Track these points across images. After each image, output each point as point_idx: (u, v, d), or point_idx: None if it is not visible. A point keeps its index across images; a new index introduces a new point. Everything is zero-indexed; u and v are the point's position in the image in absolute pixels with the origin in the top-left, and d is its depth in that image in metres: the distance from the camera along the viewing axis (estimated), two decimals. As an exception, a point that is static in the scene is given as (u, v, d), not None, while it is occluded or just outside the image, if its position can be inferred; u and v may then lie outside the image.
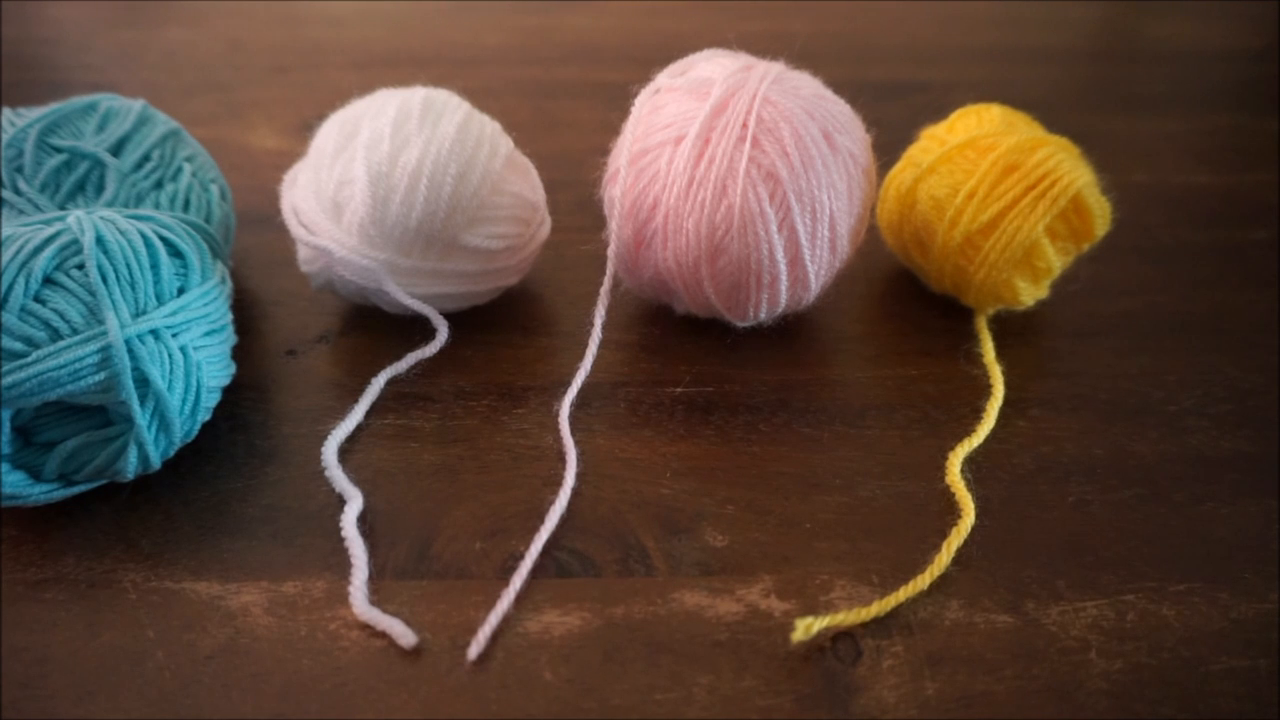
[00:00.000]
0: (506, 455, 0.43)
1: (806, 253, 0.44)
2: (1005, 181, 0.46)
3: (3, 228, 0.38)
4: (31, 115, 0.46)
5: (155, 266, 0.38)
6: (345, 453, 0.43)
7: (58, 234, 0.37)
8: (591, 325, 0.46)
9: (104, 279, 0.36)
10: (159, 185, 0.46)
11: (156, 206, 0.45)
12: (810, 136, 0.42)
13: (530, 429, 0.44)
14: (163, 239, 0.39)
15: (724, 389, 0.46)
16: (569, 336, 0.49)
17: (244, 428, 0.44)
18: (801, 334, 0.50)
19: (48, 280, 0.36)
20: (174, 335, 0.38)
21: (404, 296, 0.45)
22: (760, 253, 0.43)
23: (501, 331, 0.50)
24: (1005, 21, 0.94)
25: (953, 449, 0.43)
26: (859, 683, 0.34)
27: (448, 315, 0.48)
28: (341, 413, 0.44)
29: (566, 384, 0.45)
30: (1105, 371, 0.48)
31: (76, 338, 0.35)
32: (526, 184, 0.48)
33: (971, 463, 0.42)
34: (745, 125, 0.42)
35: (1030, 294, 0.48)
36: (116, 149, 0.46)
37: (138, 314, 0.37)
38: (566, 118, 0.72)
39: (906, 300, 0.53)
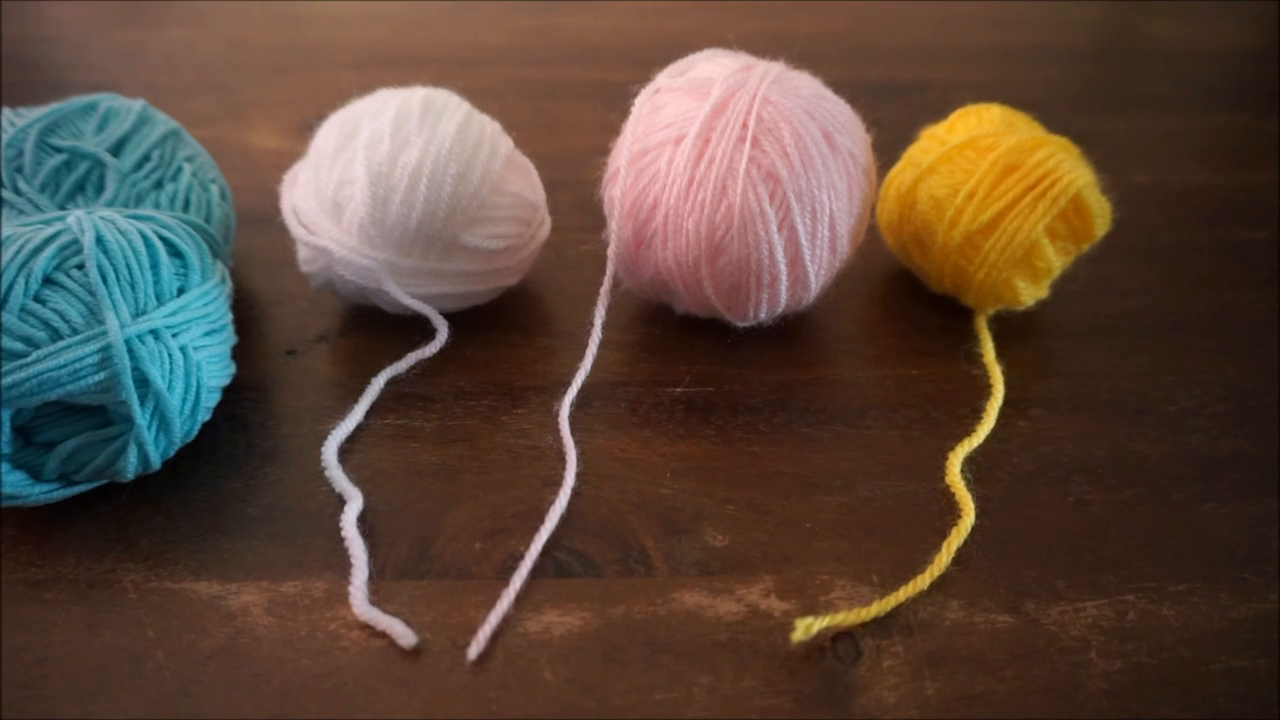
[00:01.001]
0: (506, 455, 0.43)
1: (806, 253, 0.44)
2: (1005, 181, 0.46)
3: (3, 228, 0.38)
4: (31, 115, 0.46)
5: (155, 266, 0.38)
6: (345, 453, 0.43)
7: (58, 234, 0.37)
8: (591, 325, 0.46)
9: (104, 279, 0.36)
10: (159, 185, 0.46)
11: (156, 206, 0.45)
12: (810, 136, 0.42)
13: (530, 429, 0.44)
14: (163, 239, 0.39)
15: (724, 389, 0.46)
16: (569, 336, 0.49)
17: (244, 428, 0.44)
18: (801, 334, 0.50)
19: (48, 280, 0.36)
20: (174, 335, 0.38)
21: (404, 296, 0.45)
22: (760, 253, 0.43)
23: (501, 331, 0.50)
24: (1005, 21, 0.94)
25: (953, 449, 0.43)
26: (859, 683, 0.34)
27: (448, 315, 0.48)
28: (341, 413, 0.44)
29: (566, 384, 0.45)
30: (1105, 371, 0.48)
31: (76, 338, 0.35)
32: (526, 184, 0.48)
33: (971, 463, 0.42)
34: (745, 125, 0.42)
35: (1030, 294, 0.48)
36: (116, 149, 0.46)
37: (138, 314, 0.37)
38: (566, 118, 0.72)
39: (906, 300, 0.53)
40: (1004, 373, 0.47)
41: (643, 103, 0.46)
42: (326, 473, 0.41)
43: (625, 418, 0.45)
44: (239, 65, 0.81)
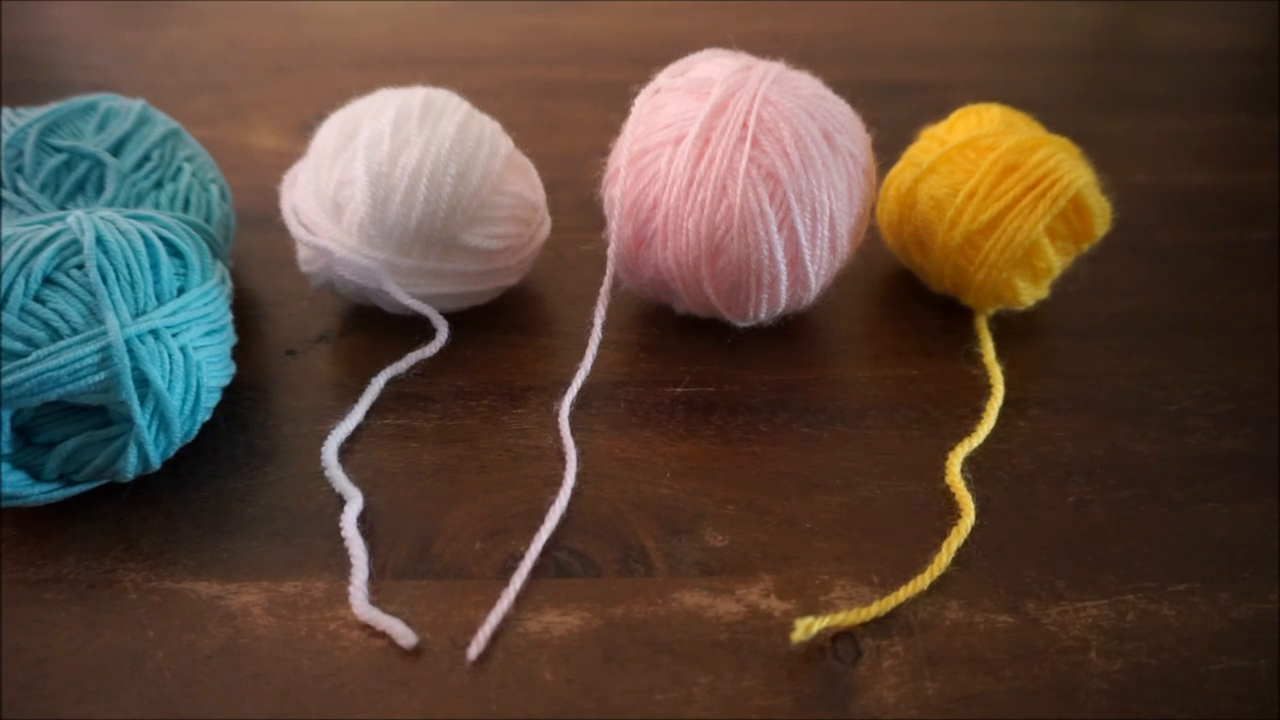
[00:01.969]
0: (506, 455, 0.43)
1: (806, 253, 0.44)
2: (1005, 181, 0.46)
3: (3, 228, 0.38)
4: (31, 115, 0.46)
5: (155, 266, 0.38)
6: (345, 453, 0.43)
7: (58, 234, 0.37)
8: (591, 325, 0.46)
9: (104, 279, 0.36)
10: (159, 185, 0.46)
11: (156, 206, 0.45)
12: (810, 136, 0.42)
13: (530, 429, 0.44)
14: (163, 239, 0.39)
15: (724, 389, 0.46)
16: (569, 336, 0.49)
17: (244, 428, 0.44)
18: (801, 334, 0.50)
19: (48, 280, 0.36)
20: (174, 335, 0.38)
21: (404, 296, 0.45)
22: (760, 253, 0.43)
23: (501, 331, 0.50)
24: (1005, 21, 0.93)
25: (953, 449, 0.43)
26: (859, 683, 0.34)
27: (448, 315, 0.48)
28: (341, 413, 0.44)
29: (566, 384, 0.45)
30: (1105, 371, 0.48)
31: (76, 338, 0.35)
32: (526, 184, 0.48)
33: (971, 463, 0.42)
34: (745, 125, 0.42)
35: (1030, 294, 0.48)
36: (116, 149, 0.46)
37: (138, 314, 0.37)
38: (566, 118, 0.72)
39: (906, 300, 0.53)
40: (1004, 373, 0.47)
41: (643, 103, 0.46)
42: (326, 473, 0.41)
43: (625, 418, 0.45)
44: (239, 65, 0.81)
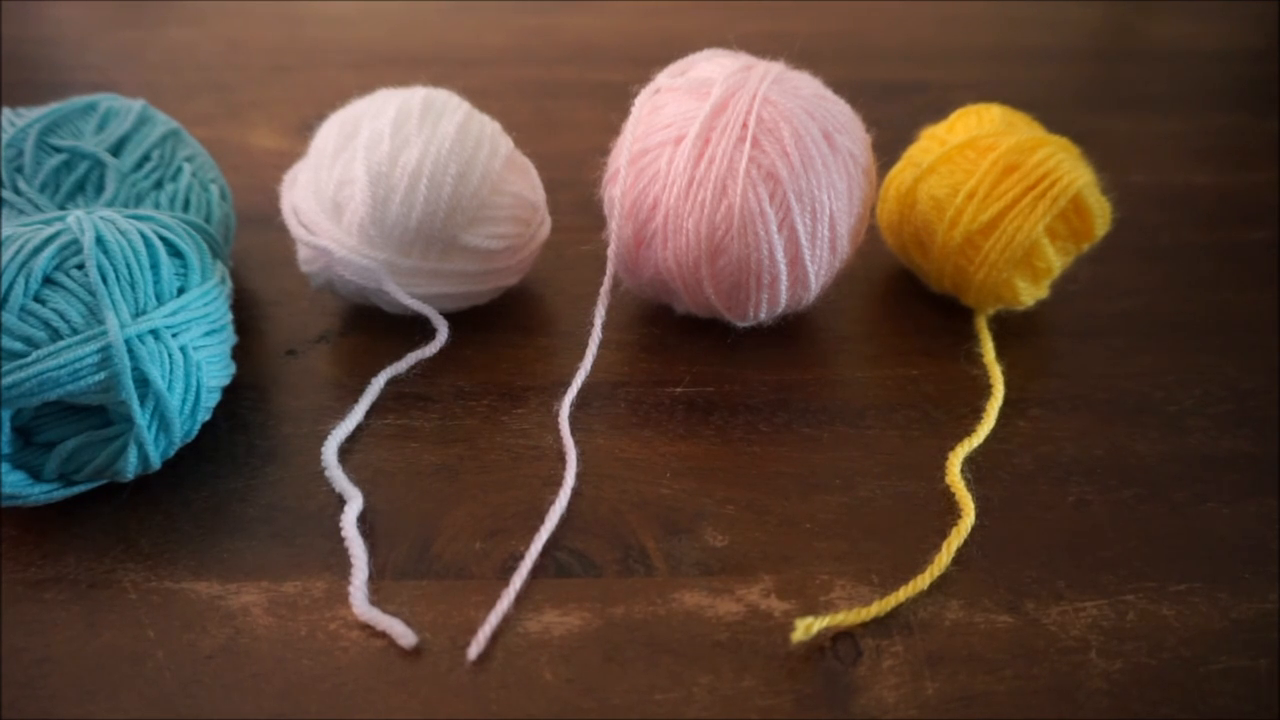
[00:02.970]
0: (506, 455, 0.43)
1: (806, 253, 0.44)
2: (1005, 181, 0.46)
3: (3, 228, 0.38)
4: (31, 115, 0.46)
5: (155, 266, 0.38)
6: (345, 453, 0.43)
7: (58, 234, 0.37)
8: (591, 325, 0.46)
9: (104, 279, 0.36)
10: (159, 185, 0.46)
11: (156, 206, 0.45)
12: (810, 136, 0.42)
13: (530, 429, 0.44)
14: (163, 239, 0.39)
15: (724, 389, 0.46)
16: (569, 336, 0.49)
17: (244, 428, 0.44)
18: (801, 334, 0.50)
19: (48, 280, 0.36)
20: (174, 335, 0.38)
21: (404, 296, 0.45)
22: (760, 253, 0.43)
23: (501, 331, 0.50)
24: (1005, 21, 0.93)
25: (953, 449, 0.43)
26: (859, 683, 0.34)
27: (448, 315, 0.48)
28: (341, 413, 0.44)
29: (566, 384, 0.45)
30: (1105, 371, 0.48)
31: (76, 338, 0.35)
32: (526, 184, 0.48)
33: (971, 463, 0.42)
34: (745, 125, 0.42)
35: (1030, 294, 0.48)
36: (116, 149, 0.46)
37: (138, 314, 0.37)
38: (566, 118, 0.72)
39: (906, 300, 0.53)
40: (1004, 373, 0.47)
41: (643, 103, 0.46)
42: (326, 473, 0.41)
43: (625, 418, 0.45)
44: (239, 65, 0.81)
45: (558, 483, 0.41)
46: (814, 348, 0.49)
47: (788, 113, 0.43)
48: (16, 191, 0.43)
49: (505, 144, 0.47)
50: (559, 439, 0.43)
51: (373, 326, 0.49)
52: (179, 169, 0.48)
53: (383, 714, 0.33)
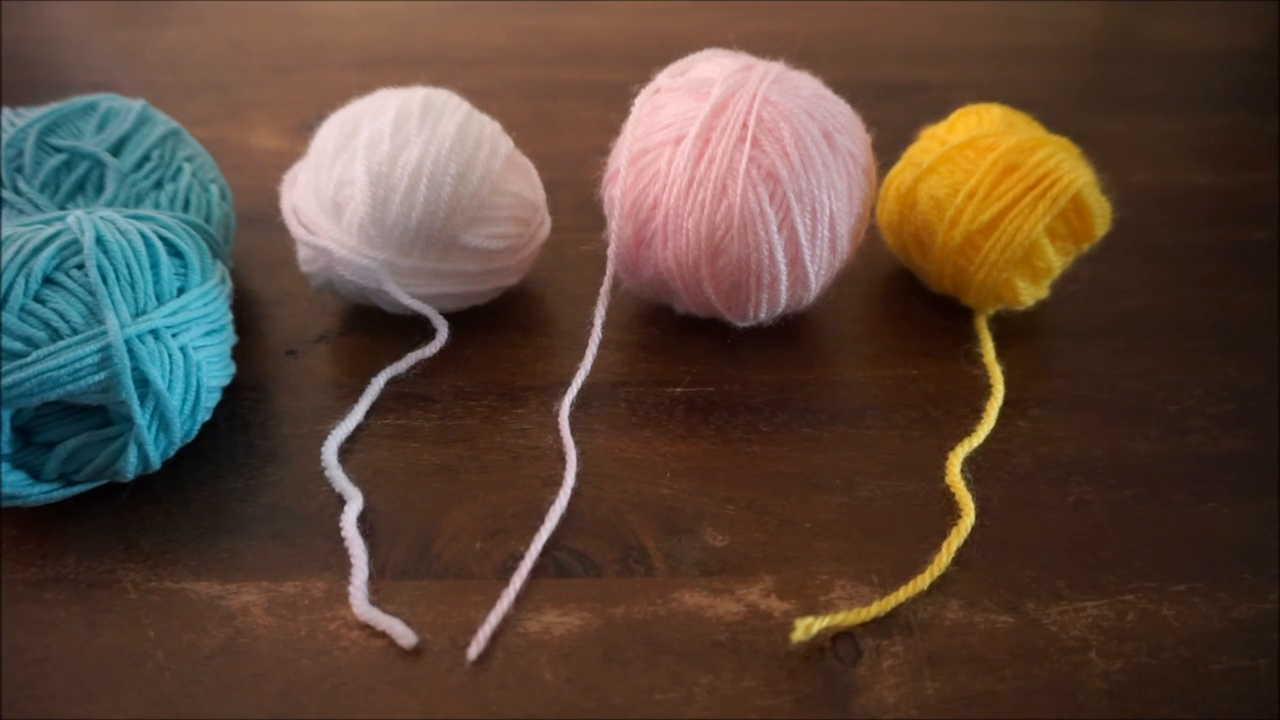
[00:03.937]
0: (506, 455, 0.43)
1: (806, 253, 0.44)
2: (1005, 181, 0.46)
3: (3, 228, 0.38)
4: (31, 115, 0.46)
5: (155, 266, 0.38)
6: (345, 453, 0.43)
7: (58, 234, 0.37)
8: (591, 325, 0.46)
9: (104, 279, 0.36)
10: (159, 185, 0.46)
11: (156, 206, 0.45)
12: (810, 136, 0.42)
13: (530, 429, 0.44)
14: (163, 239, 0.39)
15: (724, 389, 0.46)
16: (569, 336, 0.49)
17: (244, 428, 0.44)
18: (801, 334, 0.50)
19: (48, 280, 0.36)
20: (174, 335, 0.38)
21: (404, 296, 0.45)
22: (760, 253, 0.43)
23: (501, 331, 0.50)
24: (1005, 21, 0.93)
25: (953, 449, 0.43)
26: (859, 683, 0.34)
27: (448, 315, 0.48)
28: (341, 413, 0.44)
29: (566, 384, 0.45)
30: (1105, 371, 0.48)
31: (76, 338, 0.35)
32: (526, 184, 0.48)
33: (971, 463, 0.42)
34: (745, 125, 0.42)
35: (1030, 294, 0.48)
36: (116, 149, 0.46)
37: (138, 314, 0.37)
38: (566, 118, 0.72)
39: (906, 300, 0.53)
40: (1004, 373, 0.47)
41: (643, 103, 0.46)
42: (326, 473, 0.41)
43: (625, 418, 0.45)
44: (239, 65, 0.81)
45: (558, 483, 0.41)
46: (814, 348, 0.49)
47: (788, 113, 0.43)
48: (16, 191, 0.43)
49: (505, 144, 0.47)
50: (559, 439, 0.43)
51: (373, 326, 0.49)
52: (179, 169, 0.48)
53: (383, 714, 0.33)
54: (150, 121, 0.48)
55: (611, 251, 0.45)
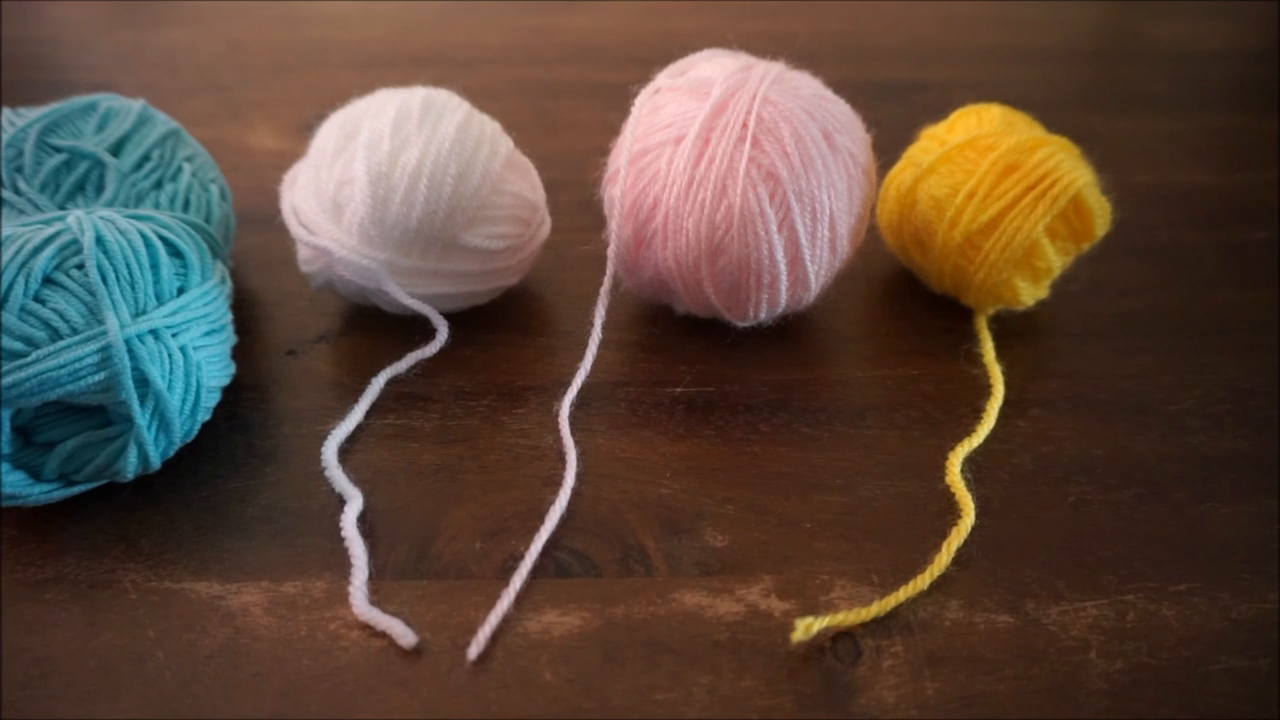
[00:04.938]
0: (506, 455, 0.43)
1: (806, 253, 0.44)
2: (1005, 181, 0.46)
3: (3, 228, 0.38)
4: (31, 115, 0.46)
5: (155, 266, 0.38)
6: (345, 453, 0.43)
7: (58, 234, 0.37)
8: (591, 325, 0.46)
9: (104, 279, 0.36)
10: (159, 185, 0.46)
11: (156, 206, 0.45)
12: (810, 136, 0.42)
13: (530, 429, 0.44)
14: (163, 239, 0.39)
15: (724, 389, 0.46)
16: (569, 336, 0.49)
17: (244, 428, 0.44)
18: (801, 334, 0.50)
19: (47, 280, 0.36)
20: (174, 335, 0.38)
21: (404, 296, 0.45)
22: (760, 253, 0.43)
23: (501, 331, 0.50)
24: (1005, 21, 0.94)
25: (953, 449, 0.43)
26: (859, 683, 0.34)
27: (448, 315, 0.48)
28: (341, 413, 0.44)
29: (566, 384, 0.45)
30: (1105, 371, 0.48)
31: (76, 338, 0.35)
32: (526, 184, 0.48)
33: (971, 463, 0.42)
34: (745, 125, 0.42)
35: (1030, 294, 0.48)
36: (116, 149, 0.46)
37: (138, 314, 0.37)
38: (566, 118, 0.72)
39: (906, 300, 0.53)
40: (1004, 373, 0.47)
41: (643, 103, 0.46)
42: (326, 473, 0.41)
43: (625, 418, 0.45)
44: (239, 65, 0.81)
45: (558, 483, 0.41)
46: (814, 348, 0.49)
47: (788, 113, 0.43)
48: (16, 191, 0.43)
49: (505, 144, 0.47)
50: (559, 439, 0.43)
51: (373, 326, 0.49)
52: (179, 169, 0.48)
53: (383, 714, 0.33)
54: (150, 121, 0.48)
55: (611, 251, 0.45)
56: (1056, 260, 0.47)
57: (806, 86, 0.45)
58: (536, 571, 0.37)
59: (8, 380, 0.35)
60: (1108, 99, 0.79)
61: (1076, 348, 0.50)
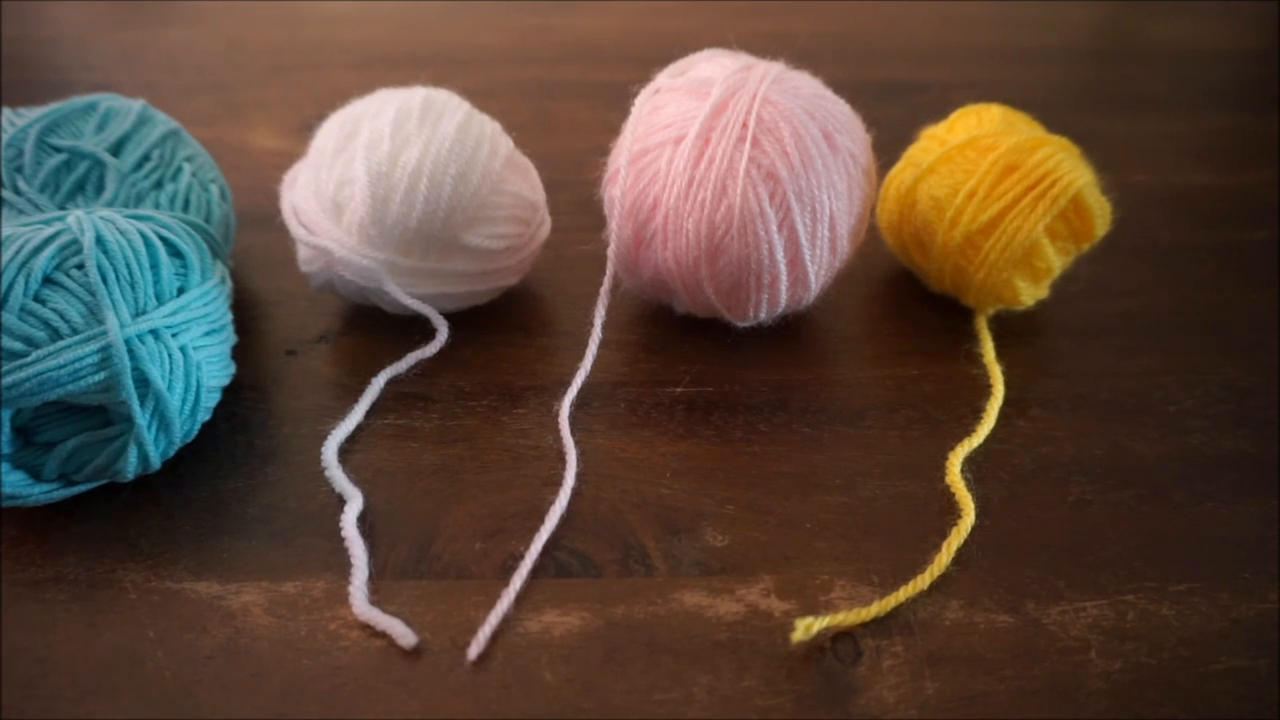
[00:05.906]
0: (506, 455, 0.43)
1: (806, 253, 0.44)
2: (1005, 181, 0.46)
3: (3, 228, 0.38)
4: (31, 115, 0.46)
5: (155, 266, 0.38)
6: (345, 453, 0.43)
7: (58, 234, 0.37)
8: (591, 325, 0.46)
9: (104, 279, 0.36)
10: (159, 185, 0.46)
11: (156, 206, 0.45)
12: (810, 136, 0.42)
13: (530, 429, 0.44)
14: (163, 239, 0.39)
15: (724, 389, 0.46)
16: (569, 336, 0.49)
17: (244, 428, 0.44)
18: (801, 334, 0.50)
19: (48, 280, 0.36)
20: (174, 335, 0.38)
21: (404, 296, 0.45)
22: (760, 253, 0.43)
23: (501, 331, 0.50)
24: (1005, 21, 0.93)
25: (953, 449, 0.43)
26: (859, 683, 0.34)
27: (448, 315, 0.48)
28: (341, 413, 0.44)
29: (566, 384, 0.45)
30: (1105, 371, 0.48)
31: (76, 338, 0.35)
32: (526, 184, 0.48)
33: (971, 463, 0.42)
34: (745, 125, 0.42)
35: (1030, 294, 0.48)
36: (116, 149, 0.46)
37: (138, 314, 0.37)
38: (566, 118, 0.72)
39: (906, 300, 0.53)
40: (1004, 373, 0.47)
41: (643, 103, 0.46)
42: (326, 473, 0.41)
43: (625, 418, 0.45)
44: (239, 65, 0.81)
45: (558, 483, 0.41)
46: (814, 348, 0.49)
47: (788, 113, 0.43)
48: (16, 191, 0.43)
49: (505, 144, 0.47)
50: (559, 439, 0.43)
51: (373, 326, 0.49)
52: (179, 169, 0.48)
53: (383, 714, 0.33)
54: (150, 121, 0.48)
55: (611, 251, 0.45)
56: (1056, 260, 0.47)
57: (806, 86, 0.45)
58: (536, 571, 0.37)
59: (8, 380, 0.35)
60: (1107, 99, 0.79)
61: (1076, 348, 0.50)
